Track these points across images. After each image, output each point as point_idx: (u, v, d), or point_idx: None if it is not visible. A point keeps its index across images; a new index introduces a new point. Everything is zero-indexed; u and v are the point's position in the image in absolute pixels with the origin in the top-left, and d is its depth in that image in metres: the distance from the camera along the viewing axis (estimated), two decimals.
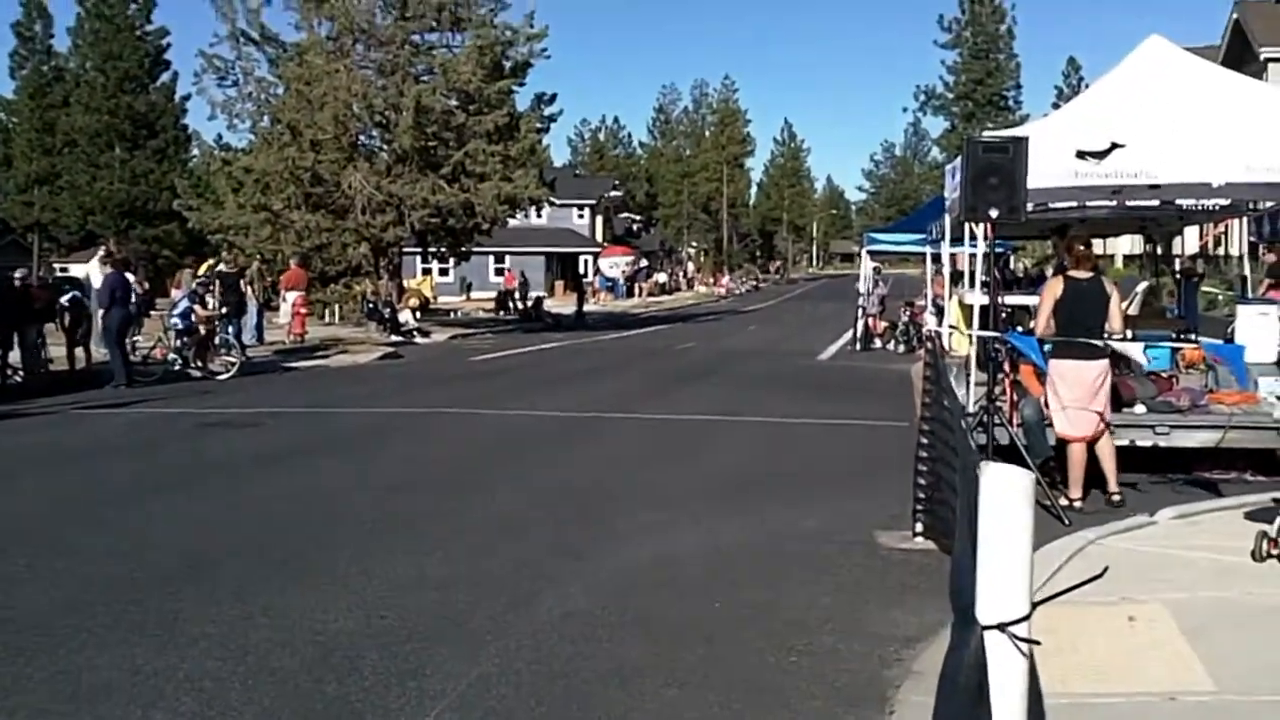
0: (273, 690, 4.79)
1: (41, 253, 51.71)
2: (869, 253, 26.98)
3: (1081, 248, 8.73)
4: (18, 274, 18.69)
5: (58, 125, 56.40)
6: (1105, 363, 8.36)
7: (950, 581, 3.12)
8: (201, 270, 24.18)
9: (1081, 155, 8.63)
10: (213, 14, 32.23)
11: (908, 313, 25.38)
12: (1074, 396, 8.24)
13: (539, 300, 44.45)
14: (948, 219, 11.52)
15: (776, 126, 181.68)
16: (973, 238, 11.18)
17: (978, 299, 9.82)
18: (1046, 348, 9.15)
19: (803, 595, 6.28)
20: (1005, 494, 2.47)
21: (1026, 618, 2.48)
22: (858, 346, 25.83)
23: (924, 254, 22.10)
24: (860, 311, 26.43)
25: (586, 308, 44.96)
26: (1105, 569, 3.47)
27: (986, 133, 10.15)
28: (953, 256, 13.40)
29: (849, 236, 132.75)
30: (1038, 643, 2.55)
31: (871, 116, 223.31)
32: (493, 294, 49.85)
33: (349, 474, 10.20)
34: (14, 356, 17.44)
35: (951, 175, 9.96)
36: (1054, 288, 8.55)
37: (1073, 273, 8.56)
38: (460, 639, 5.48)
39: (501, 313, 44.59)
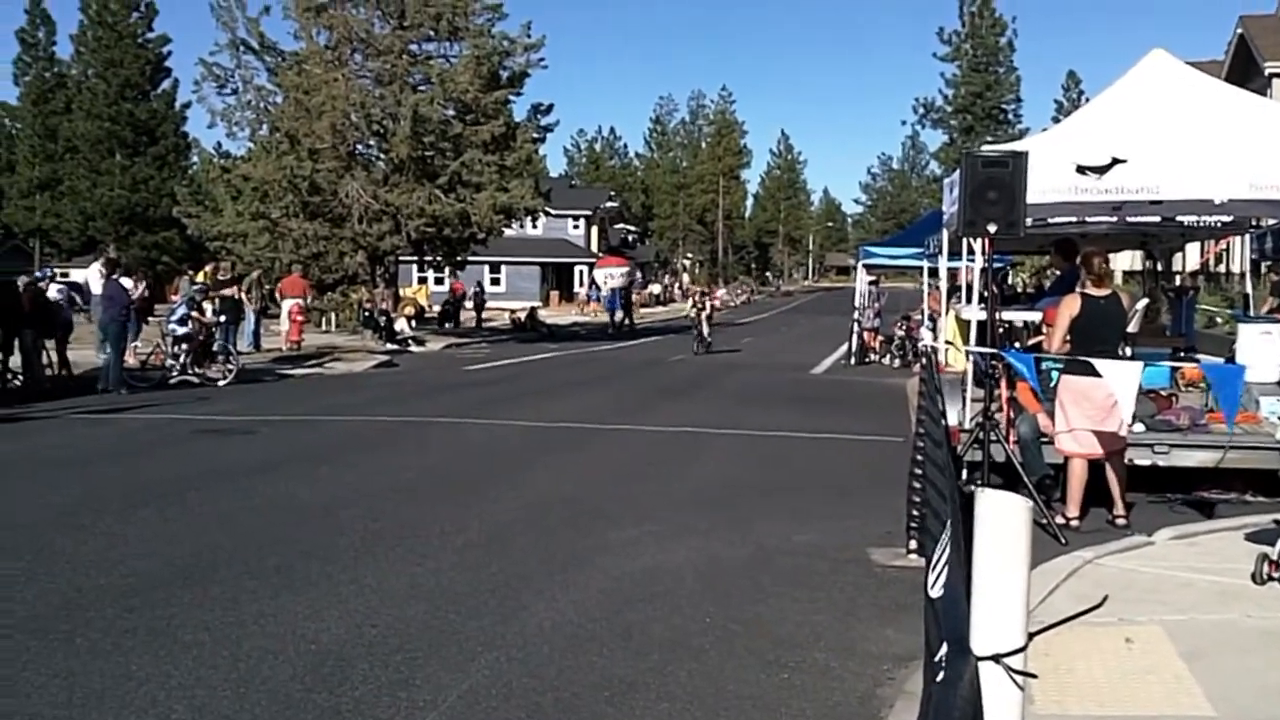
0: (264, 699, 4.77)
1: (43, 258, 51.80)
2: (865, 266, 26.97)
3: (1101, 263, 8.61)
4: (21, 279, 18.68)
5: (60, 131, 56.38)
6: None
7: (932, 606, 3.07)
8: (199, 277, 24.17)
9: (1082, 170, 8.59)
10: (213, 23, 32.32)
11: (904, 327, 25.37)
12: (1085, 415, 8.16)
13: (533, 310, 44.44)
14: (945, 233, 11.51)
15: (773, 138, 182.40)
16: (970, 252, 11.17)
17: (974, 314, 9.80)
18: (1044, 364, 9.13)
19: (795, 611, 6.26)
20: (1003, 521, 2.41)
21: (1023, 649, 2.43)
22: (852, 360, 25.80)
23: (920, 268, 22.11)
24: (856, 325, 26.40)
25: (578, 319, 44.75)
26: (1105, 598, 3.43)
27: (986, 147, 10.12)
28: (950, 271, 13.36)
29: (845, 249, 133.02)
30: (1034, 675, 2.51)
31: (869, 129, 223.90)
32: (489, 305, 49.29)
33: (343, 483, 10.16)
34: (15, 361, 17.47)
35: (950, 189, 9.94)
36: (1070, 305, 8.45)
37: (1090, 290, 8.47)
38: (451, 650, 5.46)
39: (447, 324, 41.71)
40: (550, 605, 6.24)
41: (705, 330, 29.37)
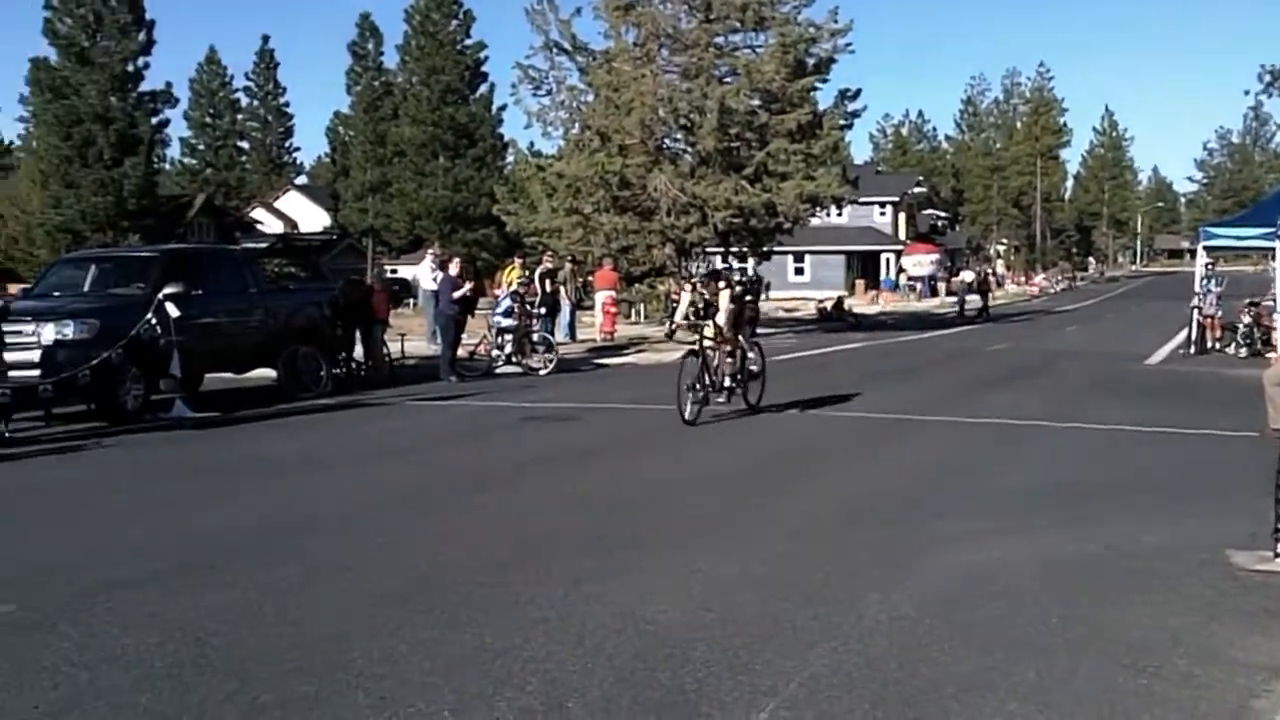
0: (610, 675, 4.91)
1: (374, 255, 55.97)
2: (1205, 248, 25.06)
3: None
4: (370, 276, 20.43)
5: (388, 137, 60.55)
6: None
7: None
8: (507, 274, 25.41)
9: None
10: (527, 27, 33.78)
11: (1251, 313, 23.43)
12: None
13: (840, 300, 44.01)
14: None
15: (1096, 115, 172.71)
16: None
17: None
18: None
19: (1147, 614, 5.85)
20: None
21: None
22: (1192, 350, 24.08)
23: (1269, 249, 20.34)
24: (1195, 312, 24.60)
25: (880, 308, 44.16)
26: None
27: None
28: None
29: (1177, 231, 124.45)
30: None
31: (1205, 101, 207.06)
32: (794, 295, 49.12)
33: (664, 469, 10.40)
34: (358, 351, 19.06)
35: None
36: None
37: None
38: (787, 638, 5.44)
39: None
40: (885, 597, 6.11)
41: (739, 358, 13.52)
